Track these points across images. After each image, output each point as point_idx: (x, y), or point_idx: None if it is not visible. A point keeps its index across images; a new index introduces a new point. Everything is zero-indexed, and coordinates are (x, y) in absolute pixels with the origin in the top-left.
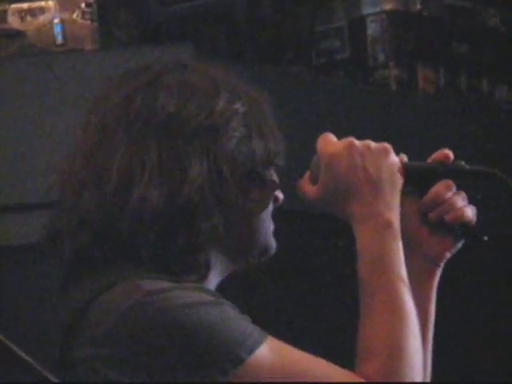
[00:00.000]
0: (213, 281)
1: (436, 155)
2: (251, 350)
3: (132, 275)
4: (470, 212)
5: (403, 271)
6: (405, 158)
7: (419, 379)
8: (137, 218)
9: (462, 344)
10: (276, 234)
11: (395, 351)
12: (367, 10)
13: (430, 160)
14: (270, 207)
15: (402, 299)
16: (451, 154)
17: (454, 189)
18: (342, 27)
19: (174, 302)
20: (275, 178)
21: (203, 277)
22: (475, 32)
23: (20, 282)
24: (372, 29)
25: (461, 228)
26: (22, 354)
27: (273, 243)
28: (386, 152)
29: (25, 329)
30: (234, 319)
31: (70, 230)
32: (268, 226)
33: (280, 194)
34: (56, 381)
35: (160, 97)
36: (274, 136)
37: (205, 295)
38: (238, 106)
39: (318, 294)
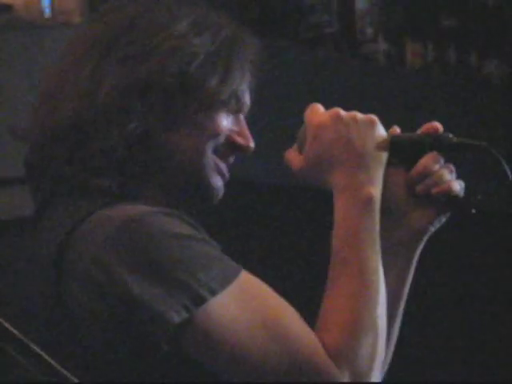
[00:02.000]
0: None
1: (425, 127)
2: (215, 291)
3: (106, 203)
4: (458, 185)
5: (376, 248)
6: (397, 130)
7: (375, 361)
8: (53, 135)
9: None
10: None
11: (352, 328)
12: None
13: (419, 132)
14: (209, 144)
15: (369, 276)
16: (440, 127)
17: (442, 161)
18: (331, 1)
19: (152, 230)
20: (218, 119)
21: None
22: (463, 6)
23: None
24: (360, 3)
25: (448, 201)
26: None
27: (214, 183)
28: (372, 124)
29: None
30: (204, 256)
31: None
32: (206, 162)
33: (241, 140)
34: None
35: (113, 18)
36: (234, 82)
37: (178, 223)
38: (194, 41)
39: (305, 268)
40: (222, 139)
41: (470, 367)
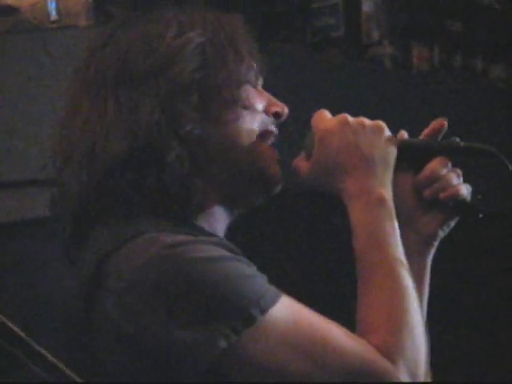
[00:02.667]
0: (217, 226)
1: (432, 125)
2: (264, 310)
3: (148, 229)
4: (465, 189)
5: (398, 244)
6: (405, 135)
7: (422, 352)
8: (105, 173)
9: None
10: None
11: (395, 324)
12: None
13: (425, 131)
14: (255, 128)
15: (399, 273)
16: (446, 124)
17: (449, 166)
18: (337, 4)
19: (191, 256)
20: (253, 97)
21: (198, 217)
22: (470, 10)
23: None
24: (367, 6)
25: (455, 205)
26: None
27: (275, 171)
28: (379, 129)
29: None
30: (249, 277)
31: (58, 206)
32: (260, 150)
33: (278, 108)
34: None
35: (111, 54)
36: (244, 58)
37: (222, 250)
38: (191, 35)
39: (313, 271)
40: (262, 114)
41: (470, 370)
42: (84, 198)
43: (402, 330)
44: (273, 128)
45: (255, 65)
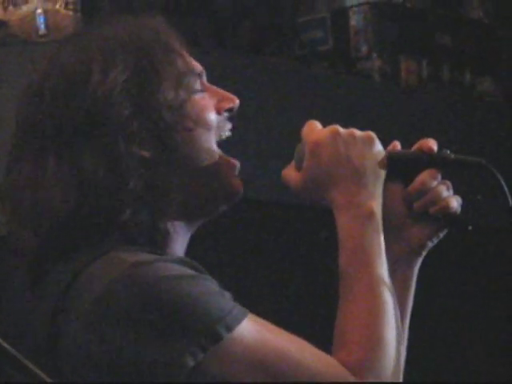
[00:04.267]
0: (177, 244)
1: (419, 144)
2: (230, 327)
3: (111, 249)
4: (455, 202)
5: (383, 261)
6: (398, 146)
7: (393, 368)
8: (52, 232)
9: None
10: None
11: (372, 340)
12: (350, 1)
13: (413, 149)
14: (211, 141)
15: (380, 289)
16: (435, 143)
17: (439, 178)
18: (325, 18)
19: (156, 275)
20: (200, 107)
21: (166, 244)
22: (458, 24)
23: None
24: (355, 20)
25: (445, 217)
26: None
27: (235, 182)
28: (370, 140)
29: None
30: (214, 295)
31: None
32: (219, 165)
33: (229, 104)
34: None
35: (45, 102)
36: (177, 66)
37: (186, 268)
38: (113, 75)
39: (300, 284)
40: (214, 117)
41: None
42: (34, 252)
43: (376, 349)
44: (228, 127)
45: (192, 62)
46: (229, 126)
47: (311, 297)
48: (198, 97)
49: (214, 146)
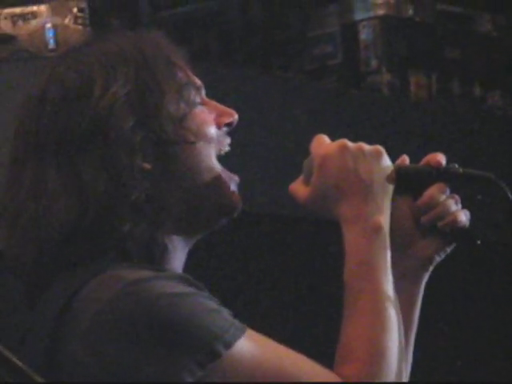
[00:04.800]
0: (176, 261)
1: (427, 158)
2: (229, 344)
3: (110, 266)
4: (464, 216)
5: (389, 277)
6: (406, 160)
7: (397, 381)
8: (53, 244)
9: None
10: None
11: (374, 355)
12: (360, 15)
13: (422, 163)
14: (211, 156)
15: (384, 305)
16: (443, 158)
17: (448, 192)
18: (335, 32)
19: (154, 292)
20: (201, 122)
21: (164, 259)
22: (467, 37)
23: None
24: (364, 34)
25: (453, 231)
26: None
27: (234, 198)
28: (378, 155)
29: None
30: (213, 312)
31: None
32: (219, 181)
33: (228, 119)
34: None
35: (46, 119)
36: (177, 79)
37: (184, 285)
38: (115, 88)
39: (306, 298)
40: (214, 132)
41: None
42: (33, 265)
43: (377, 365)
44: (227, 141)
45: (191, 76)
46: (228, 140)
47: (314, 307)
48: (198, 110)
49: (214, 160)
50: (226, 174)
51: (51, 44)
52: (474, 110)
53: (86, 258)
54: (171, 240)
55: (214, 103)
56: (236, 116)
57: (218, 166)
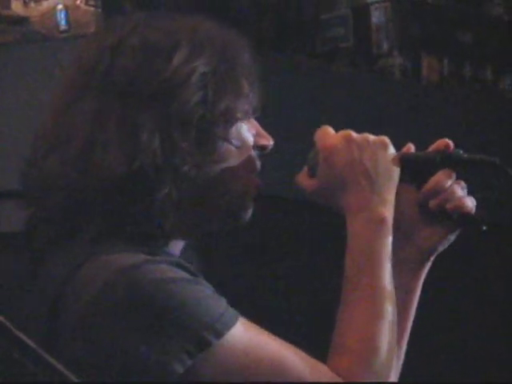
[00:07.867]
0: (175, 246)
1: (436, 145)
2: (220, 334)
3: (106, 249)
4: (470, 202)
5: (388, 269)
6: (412, 148)
7: (389, 376)
8: (96, 186)
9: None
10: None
11: (365, 349)
12: None
13: (430, 149)
14: (243, 166)
15: (380, 299)
16: (451, 144)
17: (454, 178)
18: (346, 15)
19: (148, 278)
20: (244, 134)
21: (163, 243)
22: (479, 21)
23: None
24: (376, 17)
25: (460, 217)
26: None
27: (248, 207)
28: (383, 146)
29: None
30: (206, 299)
31: (36, 203)
32: (242, 189)
33: (265, 141)
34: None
35: (121, 61)
36: (242, 91)
37: (180, 271)
38: (197, 63)
39: (311, 285)
40: (250, 149)
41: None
42: (63, 203)
43: (370, 358)
44: (258, 164)
45: (252, 95)
46: (259, 163)
47: (314, 297)
48: (247, 122)
49: (243, 171)
50: (250, 183)
51: (63, 25)
52: (486, 93)
53: (100, 221)
54: (180, 230)
55: (255, 123)
56: (272, 142)
57: (243, 175)
